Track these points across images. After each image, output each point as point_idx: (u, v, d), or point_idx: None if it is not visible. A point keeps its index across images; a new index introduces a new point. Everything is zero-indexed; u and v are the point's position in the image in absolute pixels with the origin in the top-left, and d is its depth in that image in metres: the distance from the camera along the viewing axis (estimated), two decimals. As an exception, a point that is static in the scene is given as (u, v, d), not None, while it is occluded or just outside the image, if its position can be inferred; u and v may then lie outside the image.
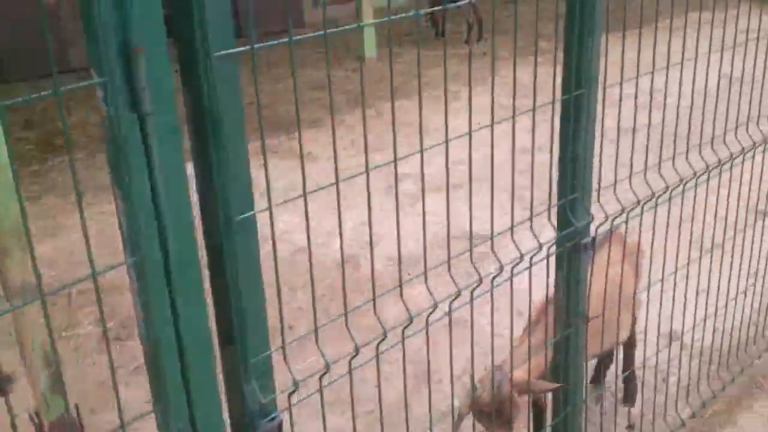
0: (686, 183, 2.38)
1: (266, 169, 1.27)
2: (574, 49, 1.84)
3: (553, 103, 1.88)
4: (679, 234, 2.84)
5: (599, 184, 2.07)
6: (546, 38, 9.18)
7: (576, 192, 2.01)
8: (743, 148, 2.72)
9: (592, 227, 2.09)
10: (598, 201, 2.07)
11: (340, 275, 4.25)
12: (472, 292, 1.77)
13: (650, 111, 2.38)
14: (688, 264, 2.95)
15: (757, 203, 3.69)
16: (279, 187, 5.44)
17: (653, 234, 2.43)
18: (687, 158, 2.39)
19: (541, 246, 1.92)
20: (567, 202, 2.02)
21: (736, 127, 2.72)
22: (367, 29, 8.63)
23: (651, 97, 2.32)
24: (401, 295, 1.66)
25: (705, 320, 3.11)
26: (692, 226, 2.76)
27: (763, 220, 3.38)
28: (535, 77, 1.77)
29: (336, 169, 1.43)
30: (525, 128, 1.92)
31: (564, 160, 1.99)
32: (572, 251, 2.07)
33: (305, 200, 1.39)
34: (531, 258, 1.88)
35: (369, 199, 1.56)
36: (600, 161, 2.06)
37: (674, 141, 2.34)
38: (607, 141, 2.10)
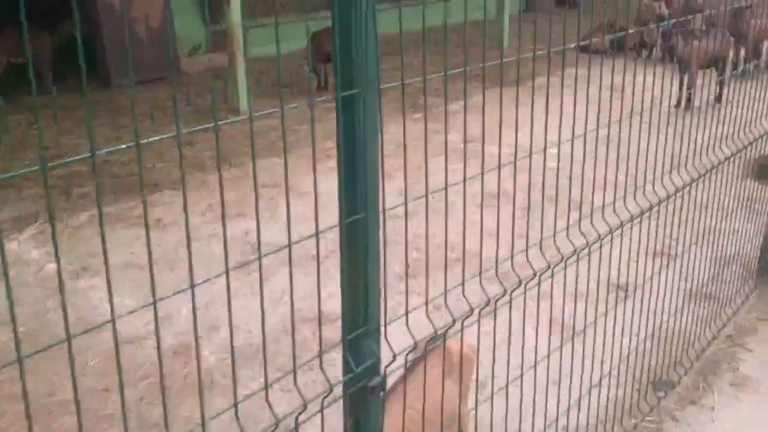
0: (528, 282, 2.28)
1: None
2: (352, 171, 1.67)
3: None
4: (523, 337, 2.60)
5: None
6: (432, 92, 9.74)
7: (361, 326, 1.76)
8: (599, 235, 2.64)
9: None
10: (427, 315, 1.86)
11: (169, 370, 3.88)
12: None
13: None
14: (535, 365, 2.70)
15: (618, 279, 3.71)
16: (118, 262, 5.03)
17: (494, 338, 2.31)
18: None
19: (331, 388, 1.66)
20: (352, 339, 1.75)
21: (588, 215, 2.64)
22: (241, 80, 8.64)
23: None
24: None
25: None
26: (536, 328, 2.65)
27: (624, 302, 3.33)
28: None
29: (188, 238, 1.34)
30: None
31: (347, 291, 1.75)
32: (358, 394, 1.78)
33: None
34: (322, 402, 1.63)
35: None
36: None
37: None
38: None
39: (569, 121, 2.57)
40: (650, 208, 3.01)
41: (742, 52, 10.09)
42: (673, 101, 8.72)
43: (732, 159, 3.86)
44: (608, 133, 2.77)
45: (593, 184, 2.74)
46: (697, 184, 3.42)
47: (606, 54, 12.50)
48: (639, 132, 3.17)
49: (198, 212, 5.88)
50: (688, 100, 8.64)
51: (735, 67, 10.15)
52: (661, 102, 3.16)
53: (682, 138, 3.24)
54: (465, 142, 2.08)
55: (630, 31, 12.41)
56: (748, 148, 4.09)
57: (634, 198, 2.90)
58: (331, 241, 1.85)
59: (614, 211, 2.79)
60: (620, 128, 2.94)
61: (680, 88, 8.72)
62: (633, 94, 2.93)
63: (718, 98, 8.95)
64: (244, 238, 5.43)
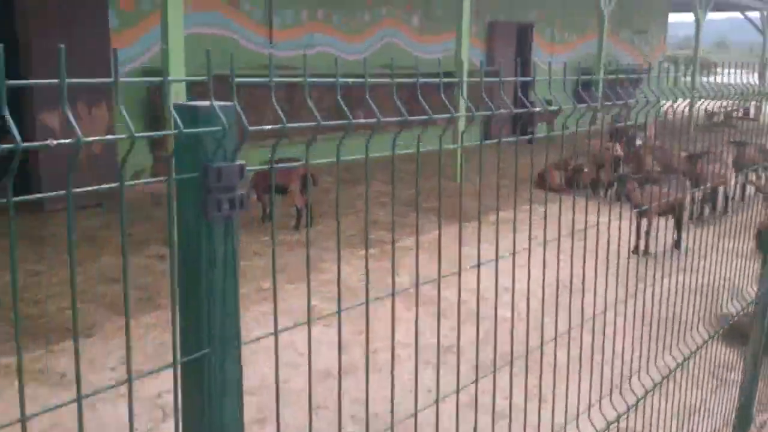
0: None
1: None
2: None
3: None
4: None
5: None
6: (382, 226, 9.44)
7: None
8: None
9: None
10: None
11: None
12: None
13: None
14: None
15: None
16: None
17: None
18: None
19: None
20: None
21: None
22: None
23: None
24: None
25: None
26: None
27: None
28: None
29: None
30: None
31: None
32: None
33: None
34: None
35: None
36: None
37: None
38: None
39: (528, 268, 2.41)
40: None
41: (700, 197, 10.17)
42: (631, 246, 8.56)
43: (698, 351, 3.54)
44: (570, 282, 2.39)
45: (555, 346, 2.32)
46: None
47: (561, 191, 12.65)
48: (605, 283, 2.80)
49: (107, 366, 5.16)
50: (646, 247, 8.49)
51: (692, 214, 10.18)
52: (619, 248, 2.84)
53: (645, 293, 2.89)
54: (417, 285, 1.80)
55: (585, 169, 12.67)
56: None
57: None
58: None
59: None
60: (583, 277, 2.57)
61: (638, 235, 8.58)
62: (597, 240, 2.58)
63: (677, 244, 8.83)
64: (154, 401, 4.70)
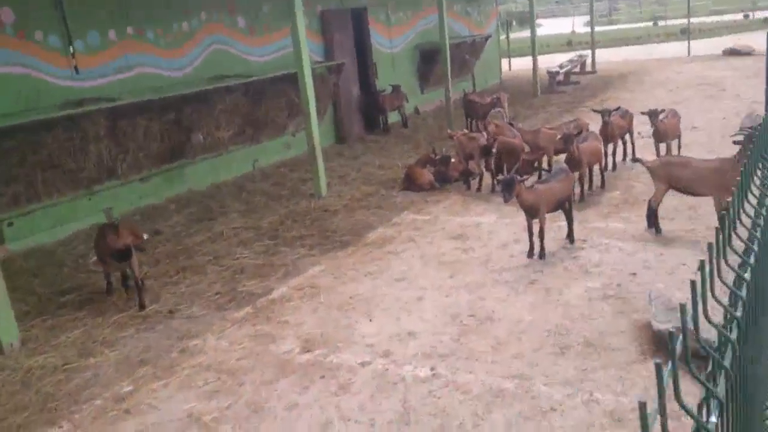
0: None
1: None
2: None
3: None
4: None
5: None
6: (250, 274, 8.30)
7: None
8: None
9: None
10: None
11: None
12: None
13: None
14: None
15: None
16: None
17: None
18: None
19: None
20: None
21: None
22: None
23: None
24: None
25: None
26: None
27: None
28: None
29: None
30: None
31: None
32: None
33: None
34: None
35: None
36: None
37: None
38: None
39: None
40: None
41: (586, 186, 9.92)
42: (523, 248, 8.08)
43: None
44: None
45: None
46: None
47: (430, 189, 12.10)
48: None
49: None
50: (542, 249, 8.03)
51: (582, 196, 9.91)
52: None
53: None
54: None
55: (453, 159, 12.15)
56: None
57: None
58: None
59: None
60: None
61: (530, 238, 8.10)
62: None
63: (570, 237, 8.47)
64: None
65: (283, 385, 5.59)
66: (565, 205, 8.37)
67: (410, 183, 11.96)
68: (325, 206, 11.15)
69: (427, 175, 11.93)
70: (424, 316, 6.75)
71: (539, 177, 11.53)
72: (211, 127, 12.56)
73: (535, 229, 8.06)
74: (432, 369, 5.70)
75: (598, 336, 6.04)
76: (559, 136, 9.73)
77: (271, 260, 8.76)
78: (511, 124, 11.62)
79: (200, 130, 12.24)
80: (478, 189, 11.57)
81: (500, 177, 9.05)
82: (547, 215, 8.17)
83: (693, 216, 9.04)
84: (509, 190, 7.54)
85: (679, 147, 11.97)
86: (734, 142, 7.79)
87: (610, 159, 11.78)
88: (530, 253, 8.13)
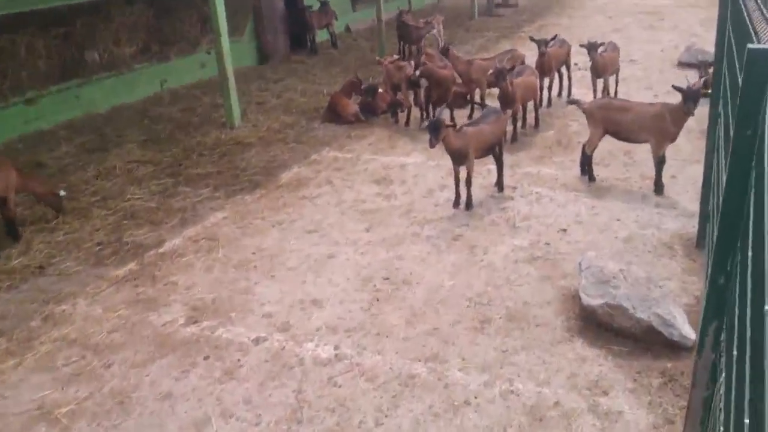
0: None
1: None
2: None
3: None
4: None
5: None
6: (142, 220, 7.34)
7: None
8: None
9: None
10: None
11: None
12: None
13: None
14: None
15: None
16: None
17: None
18: None
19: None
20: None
21: None
22: None
23: None
24: None
25: None
26: None
27: None
28: None
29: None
30: None
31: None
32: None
33: None
34: None
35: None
36: None
37: None
38: None
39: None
40: None
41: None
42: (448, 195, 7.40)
43: None
44: None
45: None
46: None
47: (355, 121, 11.18)
48: None
49: None
50: (468, 198, 7.36)
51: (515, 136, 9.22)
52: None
53: None
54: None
55: (380, 89, 11.22)
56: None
57: None
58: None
59: None
60: None
61: (457, 187, 7.40)
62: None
63: (500, 185, 7.82)
64: None
65: (158, 368, 4.81)
66: (495, 150, 7.68)
67: (333, 114, 11.02)
68: (238, 138, 10.15)
69: (351, 106, 11.00)
70: (333, 279, 6.03)
71: (471, 111, 10.82)
72: (109, 42, 11.22)
73: (463, 175, 7.36)
74: (335, 348, 5.01)
75: (521, 307, 5.46)
76: (490, 71, 8.92)
77: (167, 203, 7.82)
78: (446, 51, 10.68)
79: (95, 47, 10.89)
80: (407, 123, 10.74)
81: (430, 116, 8.24)
82: (476, 161, 7.47)
83: (628, 162, 8.50)
84: (435, 133, 6.75)
85: (617, 82, 11.36)
86: (674, 87, 7.18)
87: (545, 94, 11.10)
88: (456, 203, 7.45)
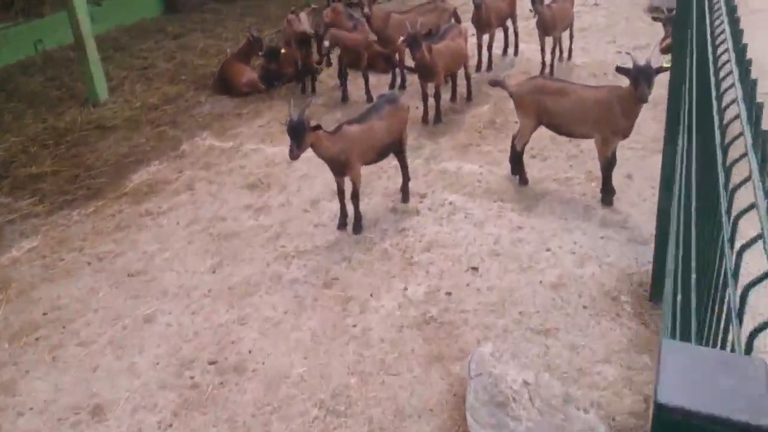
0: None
1: None
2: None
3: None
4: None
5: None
6: None
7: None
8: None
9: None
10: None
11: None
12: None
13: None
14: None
15: None
16: None
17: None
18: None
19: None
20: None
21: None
22: None
23: None
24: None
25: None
26: None
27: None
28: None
29: None
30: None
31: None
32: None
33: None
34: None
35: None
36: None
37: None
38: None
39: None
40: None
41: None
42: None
43: None
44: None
45: None
46: None
47: (250, 92, 9.12)
48: None
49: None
50: (356, 218, 5.61)
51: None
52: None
53: None
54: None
55: (282, 50, 9.16)
56: None
57: None
58: None
59: None
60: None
61: (340, 201, 5.64)
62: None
63: (404, 195, 6.07)
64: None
65: None
66: (395, 150, 5.88)
67: (225, 84, 9.07)
68: (100, 119, 8.21)
69: (247, 73, 9.03)
70: (137, 364, 4.30)
71: (392, 78, 8.93)
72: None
73: (349, 189, 5.59)
74: None
75: (391, 421, 3.78)
76: (401, 39, 7.01)
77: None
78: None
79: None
80: (313, 89, 8.88)
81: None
82: (369, 167, 5.69)
83: (573, 154, 6.73)
84: (297, 140, 4.93)
85: (571, 37, 9.44)
86: (617, 69, 5.35)
87: (485, 55, 9.20)
88: (341, 224, 5.70)
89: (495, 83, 6.31)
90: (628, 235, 5.39)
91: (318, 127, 5.05)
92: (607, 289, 4.77)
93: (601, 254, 5.16)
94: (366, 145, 5.47)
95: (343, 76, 8.61)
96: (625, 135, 5.64)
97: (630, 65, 5.25)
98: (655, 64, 5.21)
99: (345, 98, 8.56)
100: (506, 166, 6.46)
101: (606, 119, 5.53)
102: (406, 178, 6.06)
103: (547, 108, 5.82)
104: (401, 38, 7.03)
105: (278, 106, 8.56)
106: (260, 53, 8.88)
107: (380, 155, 5.72)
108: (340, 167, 5.40)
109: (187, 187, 6.57)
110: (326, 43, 8.07)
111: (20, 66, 10.31)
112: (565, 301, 4.68)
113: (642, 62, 5.16)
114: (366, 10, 8.21)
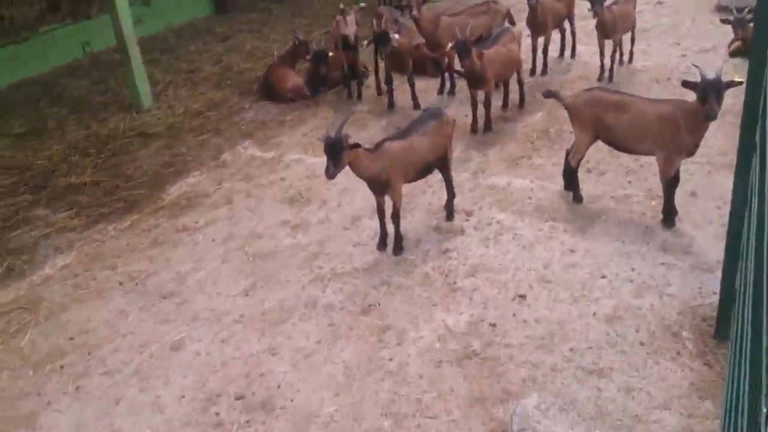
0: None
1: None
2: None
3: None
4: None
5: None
6: None
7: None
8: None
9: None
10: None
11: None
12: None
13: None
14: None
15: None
16: None
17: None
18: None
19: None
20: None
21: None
22: None
23: None
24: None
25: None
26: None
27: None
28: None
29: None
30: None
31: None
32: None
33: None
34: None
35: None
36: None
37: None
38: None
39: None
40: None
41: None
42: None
43: None
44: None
45: None
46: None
47: (296, 98, 8.82)
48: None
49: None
50: (397, 239, 5.32)
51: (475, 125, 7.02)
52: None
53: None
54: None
55: (330, 53, 8.83)
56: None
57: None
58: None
59: None
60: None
61: (380, 220, 5.37)
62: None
63: (448, 213, 5.76)
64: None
65: None
66: (440, 166, 5.57)
67: (270, 90, 8.89)
68: (143, 126, 8.13)
69: (292, 78, 8.83)
70: (161, 398, 4.11)
71: (441, 84, 8.60)
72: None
73: (390, 208, 5.32)
74: None
75: (425, 473, 3.50)
76: (450, 45, 6.68)
77: (2, 239, 5.92)
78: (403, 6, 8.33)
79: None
80: (359, 95, 8.65)
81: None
82: (410, 185, 5.41)
83: (632, 169, 6.30)
84: (334, 158, 4.67)
85: (633, 40, 8.94)
86: (684, 84, 4.89)
87: (539, 59, 8.79)
88: (381, 245, 5.42)
89: (549, 94, 5.92)
90: (692, 261, 4.96)
91: (357, 145, 4.78)
92: (667, 324, 4.38)
93: (662, 283, 4.76)
94: (407, 162, 5.17)
95: (389, 82, 8.33)
96: (690, 153, 5.20)
97: (698, 78, 4.81)
98: (725, 77, 4.76)
99: (391, 105, 8.27)
100: (559, 182, 6.09)
101: (669, 136, 5.11)
102: (450, 195, 5.75)
103: (604, 122, 5.42)
104: (450, 44, 6.71)
105: (323, 112, 8.34)
106: (307, 57, 8.66)
107: (423, 173, 5.42)
108: (380, 187, 5.13)
109: (225, 200, 6.39)
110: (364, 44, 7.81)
111: (67, 69, 10.36)
112: (621, 336, 4.31)
113: (711, 75, 4.72)
114: (414, 12, 7.89)
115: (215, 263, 5.41)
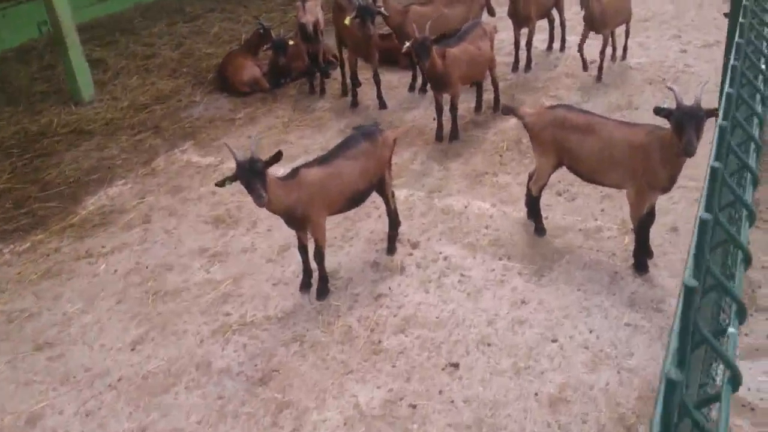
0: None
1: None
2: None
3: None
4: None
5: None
6: None
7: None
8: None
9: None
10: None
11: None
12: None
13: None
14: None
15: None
16: None
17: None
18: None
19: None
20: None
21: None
22: None
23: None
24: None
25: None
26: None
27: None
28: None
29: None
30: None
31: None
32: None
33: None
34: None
35: None
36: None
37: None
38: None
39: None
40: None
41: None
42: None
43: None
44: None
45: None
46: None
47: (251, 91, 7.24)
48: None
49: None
50: (321, 284, 4.50)
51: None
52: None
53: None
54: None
55: (291, 42, 7.75)
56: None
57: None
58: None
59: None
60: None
61: (303, 259, 4.52)
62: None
63: (390, 245, 4.92)
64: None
65: None
66: (379, 192, 4.71)
67: (225, 81, 8.00)
68: (78, 122, 7.29)
69: (249, 69, 7.92)
70: None
71: (413, 78, 7.66)
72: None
73: (311, 245, 4.47)
74: None
75: None
76: (405, 46, 5.75)
77: None
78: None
79: None
80: (321, 91, 7.76)
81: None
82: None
83: (608, 193, 5.38)
84: (251, 186, 3.82)
85: (627, 34, 7.91)
86: (656, 111, 3.96)
87: (523, 52, 7.82)
88: (303, 286, 4.59)
89: (507, 111, 5.00)
90: (662, 322, 4.10)
91: (271, 161, 3.90)
92: (621, 413, 3.53)
93: (622, 352, 3.90)
94: (333, 192, 4.31)
95: (353, 78, 7.43)
96: (666, 189, 4.30)
97: (673, 103, 3.89)
98: (707, 103, 3.84)
99: (355, 104, 7.38)
100: (522, 207, 5.21)
101: (641, 168, 4.21)
102: (393, 225, 4.89)
103: (566, 147, 4.52)
104: (405, 45, 5.78)
105: (278, 110, 7.47)
106: (265, 47, 7.76)
107: (354, 203, 4.56)
108: (296, 222, 4.28)
109: (143, 218, 5.57)
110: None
111: (18, 51, 9.49)
112: (563, 429, 3.47)
113: (687, 102, 3.80)
114: (379, 3, 6.97)
115: (109, 303, 4.61)
